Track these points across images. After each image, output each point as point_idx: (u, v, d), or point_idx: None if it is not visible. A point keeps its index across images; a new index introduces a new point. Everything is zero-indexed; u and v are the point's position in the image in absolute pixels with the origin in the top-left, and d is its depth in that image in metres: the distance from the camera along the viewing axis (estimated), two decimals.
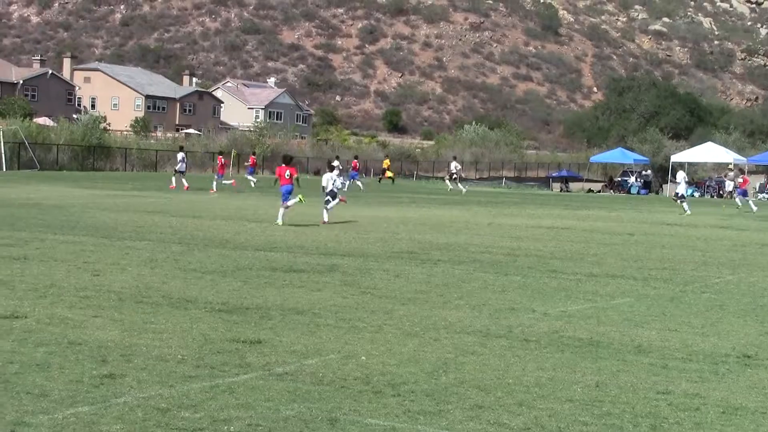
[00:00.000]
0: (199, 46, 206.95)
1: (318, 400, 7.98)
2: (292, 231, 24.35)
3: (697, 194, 71.28)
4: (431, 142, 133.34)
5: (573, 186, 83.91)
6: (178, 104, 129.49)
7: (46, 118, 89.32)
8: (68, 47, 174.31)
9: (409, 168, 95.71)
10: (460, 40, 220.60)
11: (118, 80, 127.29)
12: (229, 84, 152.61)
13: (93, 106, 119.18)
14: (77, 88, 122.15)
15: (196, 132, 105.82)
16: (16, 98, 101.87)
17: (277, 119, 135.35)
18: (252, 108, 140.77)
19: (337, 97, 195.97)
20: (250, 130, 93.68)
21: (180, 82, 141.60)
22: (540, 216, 35.88)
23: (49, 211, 27.61)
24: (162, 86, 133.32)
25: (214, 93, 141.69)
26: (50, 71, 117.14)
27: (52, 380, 8.18)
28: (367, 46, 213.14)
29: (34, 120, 78.85)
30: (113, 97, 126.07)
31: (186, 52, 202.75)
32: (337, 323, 11.57)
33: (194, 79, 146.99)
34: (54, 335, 10.02)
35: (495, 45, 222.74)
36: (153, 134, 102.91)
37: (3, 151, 59.35)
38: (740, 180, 51.06)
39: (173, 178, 45.72)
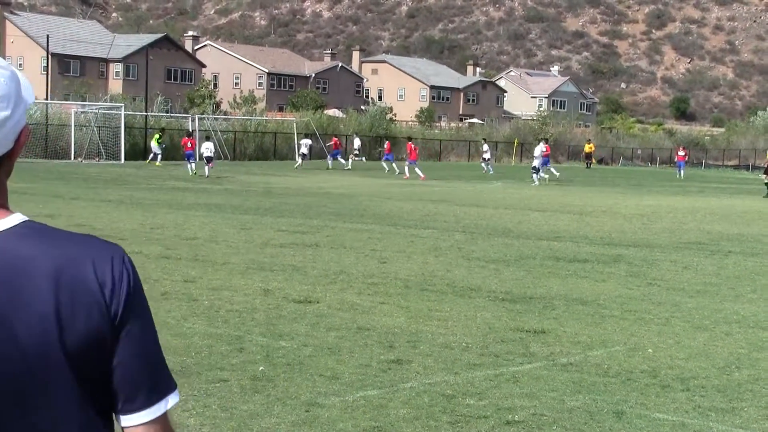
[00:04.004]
0: (482, 35, 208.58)
1: (603, 392, 7.86)
2: (575, 221, 24.09)
3: None
4: (722, 130, 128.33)
5: None
6: (461, 94, 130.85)
7: (336, 110, 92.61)
8: (357, 40, 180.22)
9: (698, 156, 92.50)
10: (754, 21, 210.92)
11: (404, 71, 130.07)
12: (512, 73, 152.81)
13: (380, 98, 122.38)
14: (365, 80, 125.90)
15: (480, 122, 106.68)
16: (309, 91, 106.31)
17: (560, 108, 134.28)
18: (535, 97, 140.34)
19: (622, 84, 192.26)
20: (533, 119, 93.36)
21: (464, 72, 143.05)
22: None
23: (338, 199, 28.62)
24: (446, 76, 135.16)
25: (497, 82, 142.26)
26: (340, 64, 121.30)
27: (342, 364, 8.46)
28: (654, 31, 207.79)
29: (325, 112, 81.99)
30: (399, 88, 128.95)
31: (470, 42, 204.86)
32: (623, 315, 11.33)
33: (478, 69, 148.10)
34: (344, 320, 10.36)
35: None
36: (437, 124, 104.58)
37: (297, 143, 62.02)
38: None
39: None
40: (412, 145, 46.36)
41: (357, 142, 57.31)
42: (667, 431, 6.91)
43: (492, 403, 7.39)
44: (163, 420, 1.94)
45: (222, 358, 8.51)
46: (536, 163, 44.17)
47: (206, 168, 39.94)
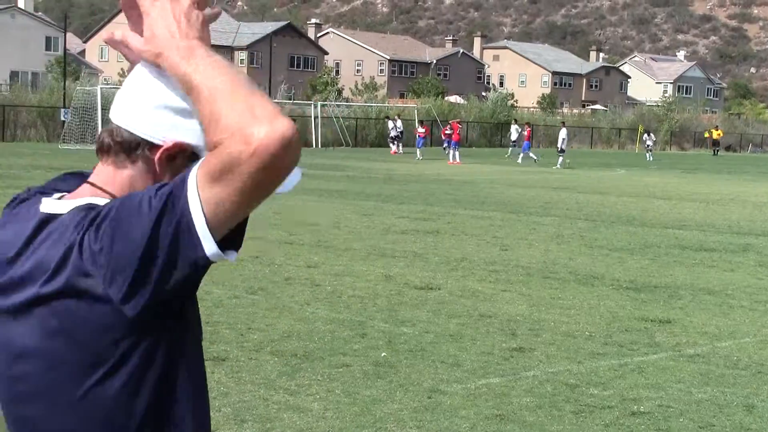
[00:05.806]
0: (606, 20, 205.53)
1: (732, 384, 7.67)
2: (701, 209, 23.57)
3: None
4: None
5: None
6: (584, 80, 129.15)
7: (457, 96, 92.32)
8: (478, 26, 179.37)
9: None
10: None
11: (525, 57, 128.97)
12: (636, 58, 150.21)
13: (501, 84, 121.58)
14: (486, 66, 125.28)
15: (603, 108, 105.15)
16: (430, 78, 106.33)
17: (686, 94, 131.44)
18: (660, 83, 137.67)
19: (752, 69, 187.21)
20: (658, 106, 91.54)
21: (586, 58, 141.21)
22: None
23: (459, 186, 28.56)
24: (568, 62, 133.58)
25: (621, 68, 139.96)
26: (461, 51, 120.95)
27: (464, 351, 8.44)
28: None
29: (446, 98, 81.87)
30: (521, 74, 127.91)
31: (593, 27, 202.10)
32: (752, 306, 11.04)
33: (601, 55, 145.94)
34: (465, 307, 10.33)
35: None
36: (559, 111, 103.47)
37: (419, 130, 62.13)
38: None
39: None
40: (459, 126, 46.83)
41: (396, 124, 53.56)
42: None
43: (616, 394, 7.28)
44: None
45: (344, 343, 8.57)
46: (562, 144, 44.02)
47: None
